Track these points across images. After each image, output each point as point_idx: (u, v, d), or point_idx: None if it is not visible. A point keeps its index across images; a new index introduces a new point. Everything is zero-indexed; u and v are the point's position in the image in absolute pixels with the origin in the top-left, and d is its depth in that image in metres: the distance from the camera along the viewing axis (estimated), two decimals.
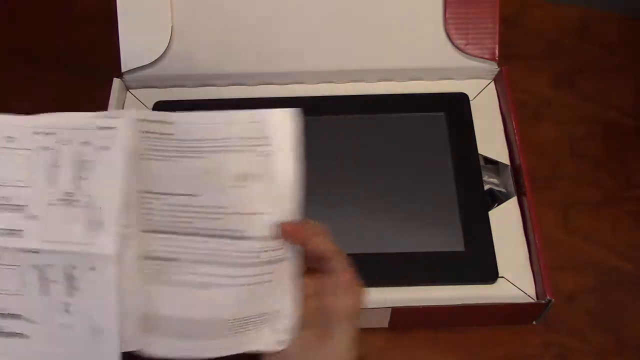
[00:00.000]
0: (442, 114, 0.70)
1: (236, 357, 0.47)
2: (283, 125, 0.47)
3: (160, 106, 0.72)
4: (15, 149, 0.46)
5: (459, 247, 0.63)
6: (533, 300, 0.61)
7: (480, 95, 0.73)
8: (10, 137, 0.46)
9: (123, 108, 0.72)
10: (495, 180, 0.68)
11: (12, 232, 0.44)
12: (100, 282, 0.44)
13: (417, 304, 0.60)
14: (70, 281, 0.45)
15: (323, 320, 0.46)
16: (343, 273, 0.46)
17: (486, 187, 0.67)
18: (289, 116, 0.47)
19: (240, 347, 0.47)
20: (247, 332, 0.47)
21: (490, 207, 0.65)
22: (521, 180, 0.65)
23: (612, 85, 0.79)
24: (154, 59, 0.71)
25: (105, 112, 0.46)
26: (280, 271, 0.47)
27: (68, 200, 0.45)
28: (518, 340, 0.64)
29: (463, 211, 0.65)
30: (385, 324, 0.63)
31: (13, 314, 0.46)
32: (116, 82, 0.71)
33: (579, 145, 0.75)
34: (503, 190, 0.67)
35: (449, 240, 0.63)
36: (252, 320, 0.47)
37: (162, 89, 0.74)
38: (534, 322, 0.64)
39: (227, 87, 0.74)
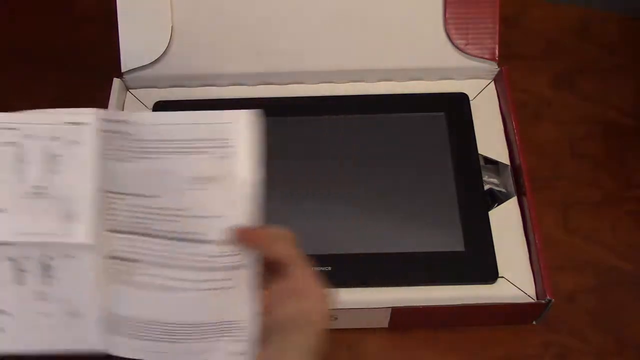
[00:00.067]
0: (442, 114, 0.70)
1: None
2: (244, 127, 0.46)
3: (160, 106, 0.72)
4: None
5: (459, 247, 0.63)
6: (533, 300, 0.61)
7: (480, 95, 0.73)
8: None
9: (123, 108, 0.72)
10: (495, 180, 0.68)
11: None
12: (77, 268, 0.45)
13: (417, 304, 0.60)
14: (47, 270, 0.45)
15: (281, 328, 0.45)
16: (301, 278, 0.45)
17: (486, 187, 0.67)
18: (250, 117, 0.46)
19: (200, 356, 0.46)
20: (207, 340, 0.46)
21: (490, 207, 0.66)
22: (521, 180, 0.65)
23: (612, 85, 0.79)
24: (153, 59, 0.71)
25: (71, 109, 0.46)
26: (238, 278, 0.46)
27: (39, 193, 0.45)
28: (518, 340, 0.64)
29: (463, 211, 0.65)
30: (385, 324, 0.63)
31: None
32: (116, 82, 0.71)
33: (579, 145, 0.75)
34: (503, 190, 0.67)
35: (449, 240, 0.63)
36: (210, 327, 0.46)
37: (162, 89, 0.74)
38: (534, 322, 0.64)
39: (227, 87, 0.74)
